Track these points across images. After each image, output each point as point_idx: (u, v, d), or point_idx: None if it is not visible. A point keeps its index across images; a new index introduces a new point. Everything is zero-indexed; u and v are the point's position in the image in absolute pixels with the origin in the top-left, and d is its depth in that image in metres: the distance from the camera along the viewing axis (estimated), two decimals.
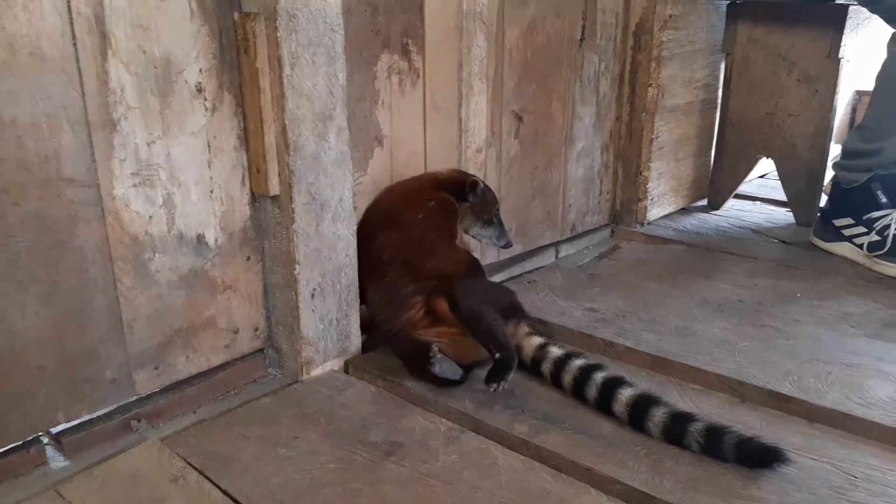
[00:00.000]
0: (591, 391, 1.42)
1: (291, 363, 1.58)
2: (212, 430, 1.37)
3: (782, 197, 2.81)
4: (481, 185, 1.72)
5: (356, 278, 1.63)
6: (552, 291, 2.02)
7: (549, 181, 2.29)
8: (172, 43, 1.31)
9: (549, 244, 2.38)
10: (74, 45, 1.18)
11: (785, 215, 2.81)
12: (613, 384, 1.40)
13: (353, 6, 1.59)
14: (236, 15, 1.38)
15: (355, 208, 1.68)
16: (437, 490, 1.18)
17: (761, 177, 3.42)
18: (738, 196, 3.02)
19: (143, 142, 1.30)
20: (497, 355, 1.43)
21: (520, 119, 2.11)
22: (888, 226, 2.15)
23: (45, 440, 1.30)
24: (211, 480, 1.21)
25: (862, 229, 2.22)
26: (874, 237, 2.18)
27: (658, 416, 1.31)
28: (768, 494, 1.16)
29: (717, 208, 2.89)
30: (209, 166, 1.42)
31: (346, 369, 1.63)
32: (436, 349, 1.45)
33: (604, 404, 1.40)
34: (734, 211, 2.89)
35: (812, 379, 1.49)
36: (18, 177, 1.16)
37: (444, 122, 1.88)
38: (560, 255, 2.43)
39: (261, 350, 1.61)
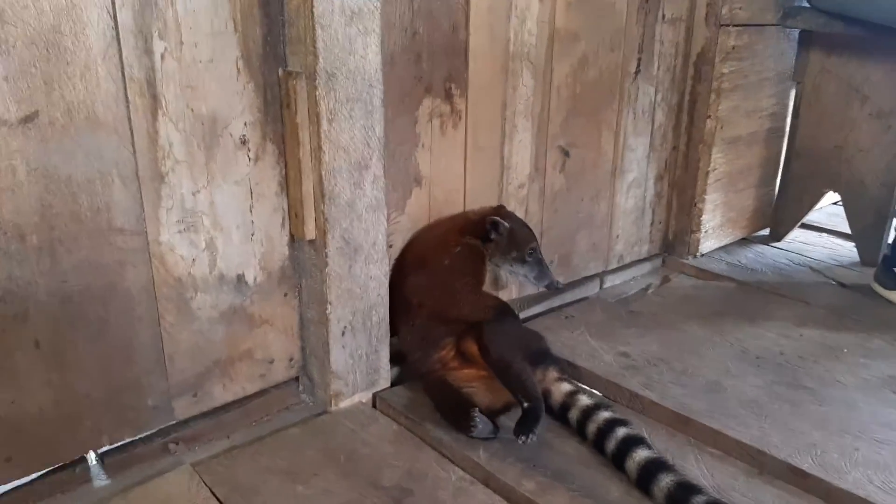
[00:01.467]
0: (611, 444, 1.44)
1: (322, 394, 1.67)
2: (240, 458, 1.47)
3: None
4: (504, 224, 1.73)
5: (387, 316, 1.69)
6: (587, 330, 2.03)
7: (595, 213, 2.28)
8: (219, 100, 1.39)
9: (593, 275, 2.38)
10: (127, 107, 1.28)
11: (850, 251, 2.69)
12: (632, 442, 1.42)
13: (397, 54, 1.63)
14: (281, 72, 1.45)
15: (390, 246, 1.75)
16: None
17: (835, 203, 3.27)
18: (805, 226, 2.90)
19: (189, 192, 1.40)
20: (525, 405, 1.47)
21: (566, 153, 2.11)
22: None
23: (92, 460, 1.44)
24: None
25: None
26: None
27: (665, 482, 1.32)
28: None
29: (778, 240, 2.80)
30: (251, 211, 1.50)
31: (374, 402, 1.71)
32: (476, 413, 1.49)
33: (619, 460, 1.42)
34: (797, 243, 2.79)
35: (836, 454, 1.46)
36: (72, 228, 1.27)
37: (486, 160, 1.91)
38: (605, 286, 2.43)
39: (296, 378, 1.71)
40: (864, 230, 2.55)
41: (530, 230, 1.82)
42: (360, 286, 1.61)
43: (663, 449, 1.47)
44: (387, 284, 1.67)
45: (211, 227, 1.45)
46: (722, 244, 2.67)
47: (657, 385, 1.72)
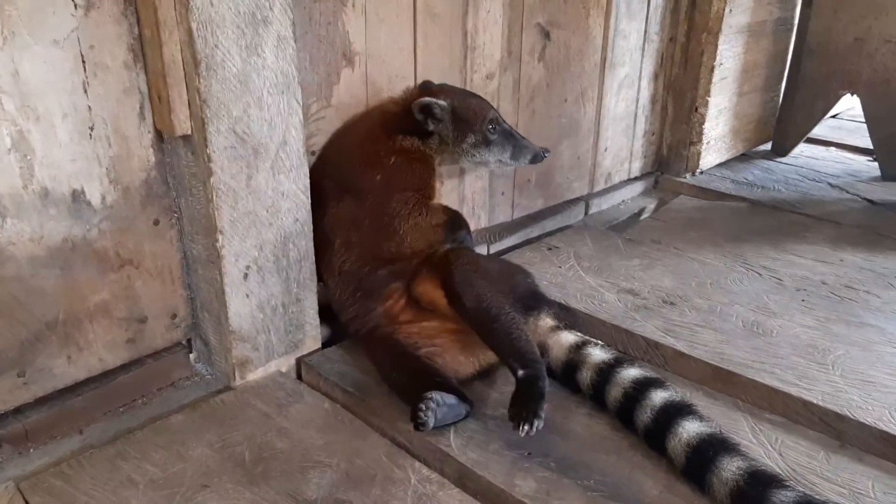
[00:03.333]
0: (644, 416, 1.00)
1: (222, 363, 1.18)
2: (92, 466, 0.98)
3: (864, 143, 2.29)
4: (440, 103, 1.19)
5: (311, 249, 1.20)
6: (578, 263, 1.57)
7: (580, 117, 1.80)
8: None
9: (577, 198, 1.92)
10: None
11: (867, 166, 2.30)
12: (676, 412, 0.98)
13: None
14: None
15: (312, 153, 1.24)
16: None
17: (833, 117, 2.89)
18: (809, 140, 2.50)
19: None
20: (519, 373, 1.01)
21: (546, 35, 1.62)
22: None
23: None
24: None
25: None
26: None
27: (729, 471, 0.89)
28: None
29: (783, 155, 2.39)
30: (85, 91, 0.97)
31: (298, 372, 1.22)
32: (428, 398, 1.00)
33: (656, 437, 0.98)
34: (804, 158, 2.38)
35: None
36: None
37: (444, 34, 1.40)
38: (591, 211, 1.97)
39: (186, 343, 1.21)
40: (887, 139, 2.15)
41: (480, 98, 1.30)
42: (267, 207, 1.11)
43: (717, 427, 1.03)
44: (308, 205, 1.17)
45: (17, 112, 0.92)
46: (723, 159, 2.24)
47: (681, 330, 1.28)
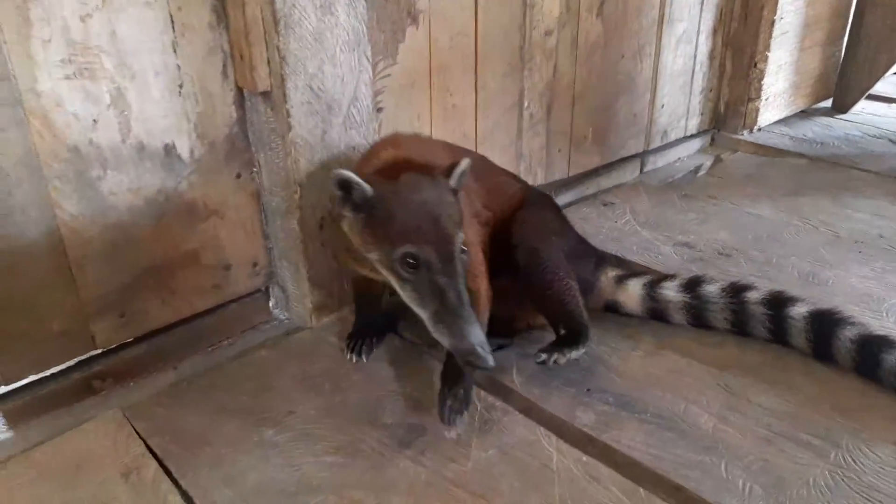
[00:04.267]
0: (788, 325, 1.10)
1: (299, 308, 1.26)
2: (188, 396, 1.08)
3: None
4: (365, 186, 0.88)
5: None
6: (634, 218, 1.61)
7: (637, 74, 1.81)
8: None
9: (632, 155, 1.94)
10: None
11: None
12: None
13: None
14: None
15: (379, 110, 1.30)
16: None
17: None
18: (871, 97, 2.44)
19: (75, 14, 0.94)
20: (562, 332, 1.07)
21: None
22: None
23: None
24: (170, 475, 0.92)
25: None
26: None
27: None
28: None
29: (844, 111, 2.34)
30: (174, 50, 1.05)
31: None
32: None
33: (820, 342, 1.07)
34: (866, 115, 2.34)
35: None
36: None
37: None
38: (646, 169, 1.99)
39: (264, 290, 1.30)
40: None
41: (421, 216, 0.88)
42: (342, 161, 1.18)
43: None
44: None
45: (115, 70, 1.00)
46: (781, 116, 2.22)
47: (736, 277, 1.31)
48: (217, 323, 1.24)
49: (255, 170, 1.20)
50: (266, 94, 1.11)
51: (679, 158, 2.06)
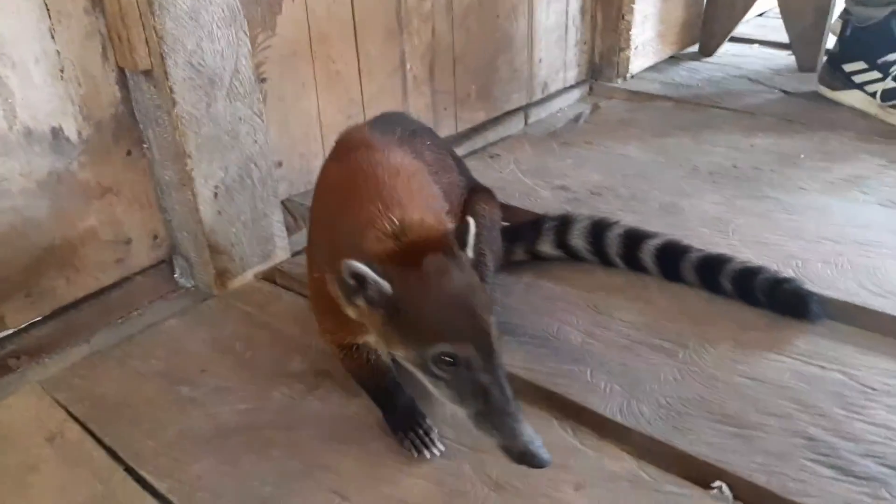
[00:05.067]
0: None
1: (203, 275, 1.33)
2: (104, 366, 1.14)
3: (785, 38, 2.45)
4: (381, 283, 0.76)
5: (272, 170, 1.33)
6: (518, 166, 1.74)
7: (513, 32, 1.93)
8: None
9: (516, 108, 2.06)
10: None
11: (787, 59, 2.46)
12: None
13: None
14: None
15: (263, 80, 1.36)
16: (365, 432, 0.97)
17: (760, 15, 3.03)
18: (735, 39, 2.65)
19: None
20: None
21: None
22: None
23: None
24: (94, 436, 0.99)
25: (876, 75, 1.90)
26: (889, 83, 1.86)
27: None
28: (767, 419, 0.95)
29: (709, 55, 2.54)
30: (52, 37, 1.08)
31: (274, 279, 1.38)
32: None
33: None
34: (729, 57, 2.54)
35: (820, 264, 1.26)
36: None
37: None
38: (531, 120, 2.12)
39: (168, 261, 1.35)
40: (802, 32, 2.31)
41: (455, 309, 0.77)
42: (228, 131, 1.24)
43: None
44: (264, 128, 1.30)
45: None
46: (652, 63, 2.39)
47: (605, 214, 1.45)
48: (125, 295, 1.29)
49: (145, 146, 1.25)
50: (148, 73, 1.15)
51: (560, 109, 2.20)
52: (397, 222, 0.79)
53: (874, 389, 0.99)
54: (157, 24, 1.09)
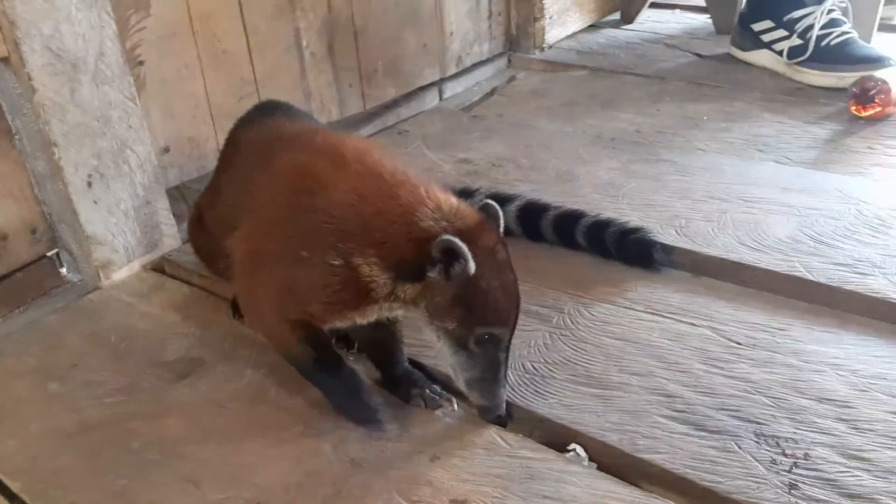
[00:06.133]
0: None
1: (87, 267, 1.29)
2: None
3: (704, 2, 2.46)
4: (465, 257, 0.79)
5: (151, 155, 1.30)
6: (424, 142, 1.72)
7: (419, 5, 1.90)
8: None
9: (430, 84, 2.04)
10: None
11: (706, 23, 2.47)
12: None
13: None
14: None
15: (141, 63, 1.32)
16: (229, 417, 0.96)
17: None
18: (657, 5, 2.65)
19: None
20: None
21: None
22: (811, 26, 1.84)
23: None
24: None
25: (782, 32, 1.92)
26: (795, 41, 1.88)
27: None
28: (629, 378, 0.95)
29: (630, 21, 2.54)
30: None
31: (162, 268, 1.35)
32: None
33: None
34: (650, 23, 2.54)
35: (702, 222, 1.27)
36: None
37: None
38: (445, 95, 2.10)
39: (49, 256, 1.32)
40: None
41: (511, 299, 0.85)
42: (98, 117, 1.20)
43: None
44: (140, 112, 1.26)
45: None
46: (570, 32, 2.38)
47: (503, 185, 1.46)
48: (4, 294, 1.26)
49: (16, 136, 1.21)
50: (5, 60, 1.11)
51: (478, 83, 2.19)
52: (444, 203, 0.83)
53: (739, 344, 1.00)
54: (7, 9, 1.05)
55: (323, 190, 0.87)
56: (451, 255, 0.79)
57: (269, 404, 0.97)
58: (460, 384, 0.87)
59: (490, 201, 0.89)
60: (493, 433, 0.89)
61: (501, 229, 0.88)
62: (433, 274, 0.81)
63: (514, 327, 0.85)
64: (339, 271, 0.83)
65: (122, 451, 0.91)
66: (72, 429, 0.96)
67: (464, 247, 0.78)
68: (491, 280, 0.82)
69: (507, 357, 0.86)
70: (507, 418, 0.90)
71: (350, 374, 0.94)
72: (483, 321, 0.82)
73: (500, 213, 0.89)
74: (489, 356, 0.84)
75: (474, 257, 0.79)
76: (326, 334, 0.94)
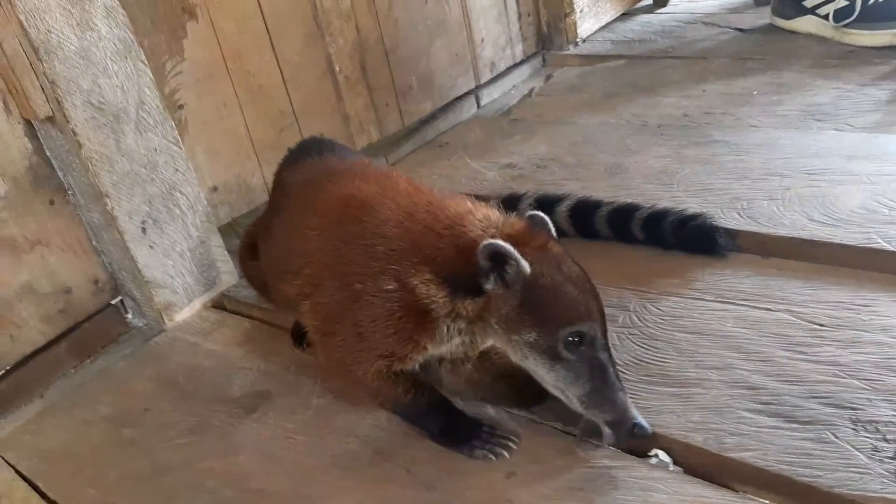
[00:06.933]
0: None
1: (149, 311, 1.32)
2: (52, 419, 1.14)
3: None
4: (522, 262, 0.77)
5: (201, 195, 1.32)
6: (465, 152, 1.70)
7: (447, 16, 1.89)
8: None
9: (466, 93, 2.02)
10: None
11: None
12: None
13: None
14: None
15: (181, 107, 1.35)
16: (299, 449, 0.95)
17: None
18: None
19: None
20: None
21: None
22: None
23: None
24: (38, 491, 0.99)
25: None
26: (841, 2, 1.79)
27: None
28: (707, 373, 0.91)
29: (664, 5, 2.47)
30: None
31: (223, 305, 1.37)
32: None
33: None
34: (684, 4, 2.47)
35: (766, 201, 1.21)
36: None
37: None
38: (483, 103, 2.08)
39: (113, 304, 1.35)
40: None
41: (585, 290, 0.80)
42: (145, 164, 1.23)
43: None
44: (184, 155, 1.28)
45: None
46: (603, 23, 2.33)
47: (550, 186, 1.42)
48: (75, 344, 1.29)
49: (69, 192, 1.24)
50: (50, 119, 1.14)
51: (514, 86, 2.16)
52: (491, 215, 0.83)
53: (822, 325, 0.94)
54: (46, 70, 1.08)
55: (371, 213, 0.86)
56: (500, 259, 0.76)
57: (337, 432, 0.96)
58: (575, 406, 0.79)
59: (536, 212, 0.86)
60: (567, 443, 0.86)
61: (553, 233, 0.85)
62: (490, 285, 0.78)
63: (603, 320, 0.79)
64: (396, 296, 0.81)
65: (197, 491, 0.91)
66: (147, 473, 0.97)
67: (509, 247, 0.75)
68: (554, 275, 0.77)
69: (610, 357, 0.78)
70: (644, 429, 0.77)
71: (444, 401, 0.91)
72: (563, 321, 0.76)
73: (548, 220, 0.85)
74: (589, 361, 0.77)
75: (526, 257, 0.76)
76: (414, 375, 0.90)
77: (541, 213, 0.86)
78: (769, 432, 0.80)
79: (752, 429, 0.81)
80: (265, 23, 1.47)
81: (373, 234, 0.84)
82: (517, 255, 0.75)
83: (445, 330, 0.82)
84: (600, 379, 0.77)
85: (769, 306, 1.00)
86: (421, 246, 0.81)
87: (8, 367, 1.20)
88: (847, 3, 1.78)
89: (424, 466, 0.86)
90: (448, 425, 0.89)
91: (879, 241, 1.04)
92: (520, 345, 0.79)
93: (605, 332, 0.79)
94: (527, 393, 0.89)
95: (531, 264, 0.77)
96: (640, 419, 0.77)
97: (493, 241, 0.75)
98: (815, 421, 0.81)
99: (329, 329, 0.89)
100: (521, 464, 0.84)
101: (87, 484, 0.97)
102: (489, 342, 0.86)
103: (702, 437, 0.81)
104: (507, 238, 0.78)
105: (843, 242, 1.06)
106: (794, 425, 0.81)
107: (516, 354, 0.81)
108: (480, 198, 1.04)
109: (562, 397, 0.81)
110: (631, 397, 0.88)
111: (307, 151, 1.11)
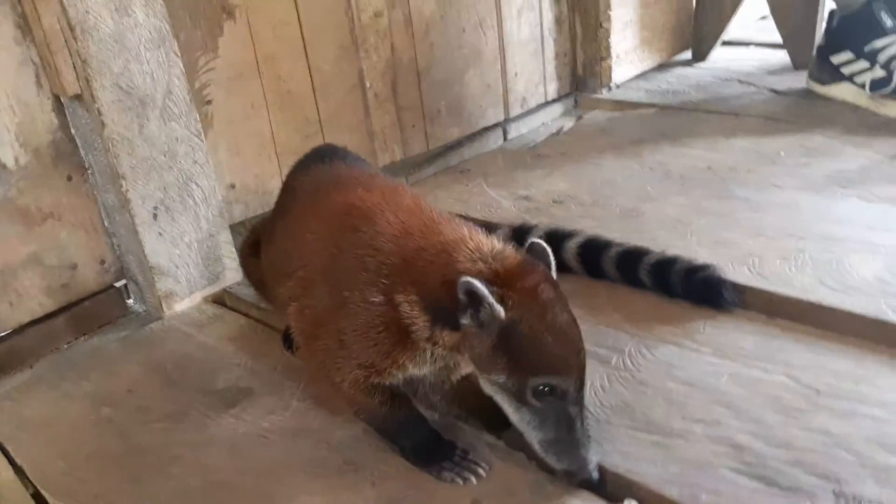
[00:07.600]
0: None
1: (150, 298, 1.33)
2: (37, 390, 1.14)
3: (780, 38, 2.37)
4: (494, 305, 0.74)
5: (216, 190, 1.33)
6: (485, 179, 1.70)
7: (482, 46, 1.91)
8: None
9: (494, 125, 2.03)
10: None
11: (782, 59, 2.38)
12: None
13: None
14: None
15: (208, 102, 1.37)
16: (271, 448, 0.94)
17: (762, 18, 2.95)
18: (730, 43, 2.57)
19: None
20: None
21: None
22: (894, 56, 1.74)
23: None
24: (8, 456, 0.99)
25: (864, 64, 1.81)
26: (878, 72, 1.77)
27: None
28: (692, 426, 0.88)
29: (702, 59, 2.47)
30: None
31: (223, 301, 1.37)
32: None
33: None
34: (723, 61, 2.46)
35: (778, 260, 1.18)
36: None
37: None
38: (510, 136, 2.08)
39: (117, 287, 1.36)
40: (794, 29, 2.23)
41: (565, 342, 0.76)
42: (165, 152, 1.25)
43: None
44: (205, 148, 1.30)
45: None
46: (639, 71, 2.34)
47: (563, 221, 1.41)
48: (71, 321, 1.30)
49: (88, 170, 1.26)
50: (78, 97, 1.17)
51: (543, 123, 2.16)
52: (484, 245, 0.79)
53: (818, 392, 0.91)
54: (80, 49, 1.11)
55: (369, 224, 0.85)
56: (476, 299, 0.73)
57: (311, 437, 0.95)
58: (534, 447, 0.78)
59: (537, 240, 0.83)
60: (539, 477, 0.83)
61: (552, 268, 0.82)
62: (465, 321, 0.75)
63: (580, 376, 0.76)
64: (380, 310, 0.80)
65: (163, 477, 0.91)
66: (118, 452, 0.97)
67: (483, 288, 0.72)
68: (534, 324, 0.74)
69: (581, 410, 0.76)
70: (598, 483, 0.79)
71: (421, 419, 0.90)
72: (534, 370, 0.74)
73: (549, 252, 0.82)
74: (556, 411, 0.75)
75: (510, 300, 0.73)
76: (392, 388, 0.88)
77: (542, 243, 0.83)
78: (747, 495, 0.78)
79: (731, 489, 0.78)
80: (301, 30, 1.49)
81: (367, 244, 0.83)
82: (491, 299, 0.72)
83: (427, 353, 0.81)
84: (565, 430, 0.76)
85: (767, 366, 0.97)
86: (411, 266, 0.80)
87: (2, 334, 1.22)
88: (885, 73, 1.76)
89: (391, 482, 0.85)
90: (421, 444, 0.88)
91: (889, 312, 1.01)
92: (488, 382, 0.79)
93: (581, 385, 0.76)
94: (499, 419, 0.87)
95: (511, 308, 0.74)
96: (595, 474, 0.77)
97: (468, 279, 0.72)
98: (796, 488, 0.78)
99: (313, 333, 0.88)
100: (489, 493, 0.82)
101: (57, 456, 0.97)
102: (468, 370, 0.85)
103: (677, 491, 0.79)
104: (495, 275, 0.75)
105: (851, 311, 1.04)
106: (774, 489, 0.78)
107: (486, 388, 0.80)
108: (490, 226, 1.05)
109: (525, 436, 0.79)
110: (609, 441, 0.86)
111: (320, 158, 1.12)
